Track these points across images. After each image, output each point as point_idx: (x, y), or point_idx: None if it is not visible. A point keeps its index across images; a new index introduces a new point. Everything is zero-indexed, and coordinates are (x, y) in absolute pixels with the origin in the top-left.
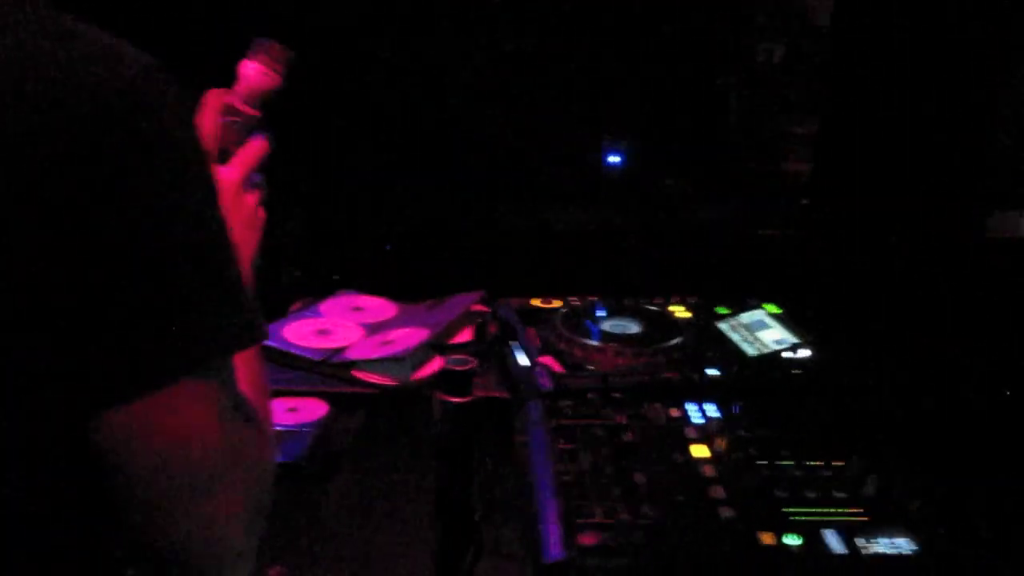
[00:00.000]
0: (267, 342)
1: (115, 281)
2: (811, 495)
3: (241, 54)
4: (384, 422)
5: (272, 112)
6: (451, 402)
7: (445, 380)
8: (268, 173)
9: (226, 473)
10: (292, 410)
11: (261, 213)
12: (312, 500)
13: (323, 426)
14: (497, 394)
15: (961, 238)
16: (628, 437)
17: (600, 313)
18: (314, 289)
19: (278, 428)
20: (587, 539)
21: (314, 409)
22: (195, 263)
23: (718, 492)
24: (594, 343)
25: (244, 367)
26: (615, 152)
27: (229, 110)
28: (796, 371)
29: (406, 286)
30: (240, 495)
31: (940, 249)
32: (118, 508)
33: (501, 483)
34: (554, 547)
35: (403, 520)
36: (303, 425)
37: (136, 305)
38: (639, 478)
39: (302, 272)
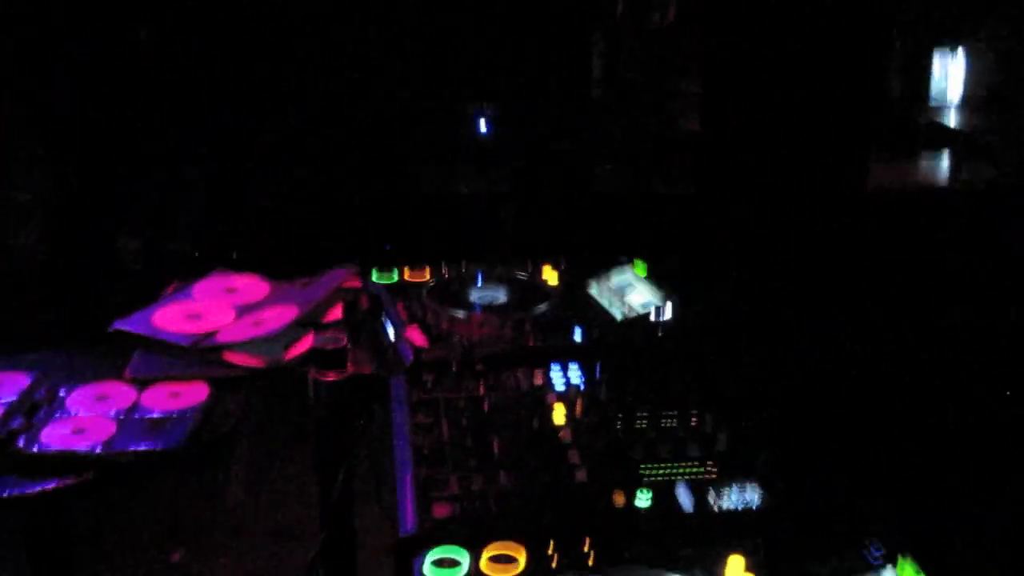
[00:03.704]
0: (136, 329)
1: None
2: (665, 453)
3: None
4: (266, 402)
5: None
6: (325, 380)
7: (317, 358)
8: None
9: None
10: (174, 395)
11: None
12: (206, 484)
13: (205, 410)
14: (370, 369)
15: (845, 190)
16: (486, 407)
17: (474, 281)
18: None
19: (159, 415)
20: (440, 510)
21: (196, 393)
22: None
23: (574, 456)
24: (460, 314)
25: None
26: (485, 117)
27: None
28: (659, 332)
29: (291, 260)
30: None
31: (823, 202)
32: None
33: (383, 455)
34: (407, 521)
35: (292, 498)
36: (185, 410)
37: None
38: (496, 447)
39: (200, 252)
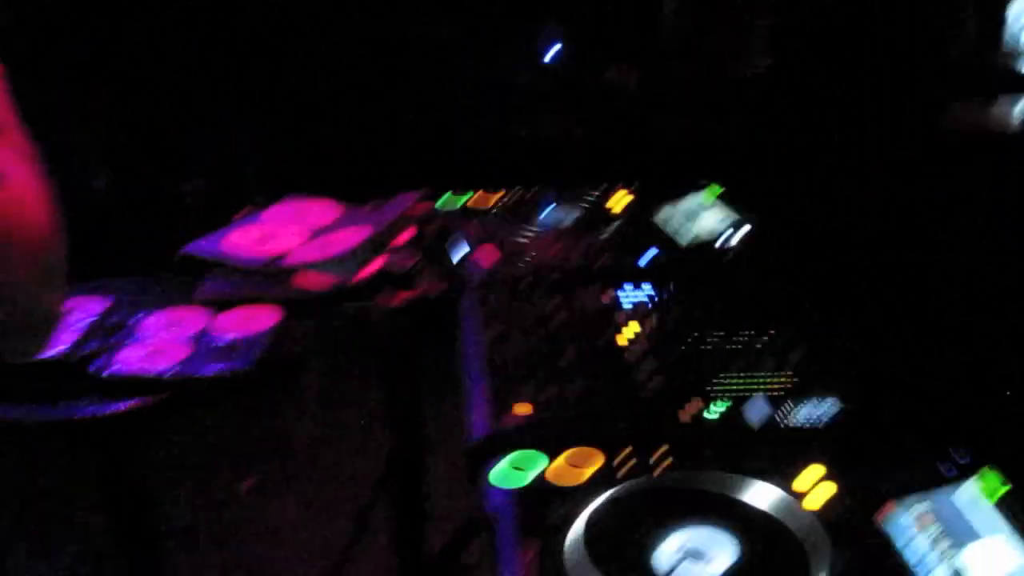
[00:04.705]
0: (207, 251)
1: None
2: (739, 366)
3: None
4: (335, 325)
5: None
6: (394, 301)
7: (387, 280)
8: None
9: None
10: (246, 319)
11: None
12: (275, 410)
13: (276, 333)
14: (439, 290)
15: (918, 128)
16: (556, 323)
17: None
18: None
19: (232, 339)
20: (513, 416)
21: (267, 318)
22: None
23: (645, 369)
24: (531, 233)
25: None
26: (555, 41)
27: None
28: (733, 251)
29: (361, 191)
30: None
31: (895, 138)
32: None
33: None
34: (480, 425)
35: (360, 422)
36: (257, 334)
37: None
38: (567, 358)
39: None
